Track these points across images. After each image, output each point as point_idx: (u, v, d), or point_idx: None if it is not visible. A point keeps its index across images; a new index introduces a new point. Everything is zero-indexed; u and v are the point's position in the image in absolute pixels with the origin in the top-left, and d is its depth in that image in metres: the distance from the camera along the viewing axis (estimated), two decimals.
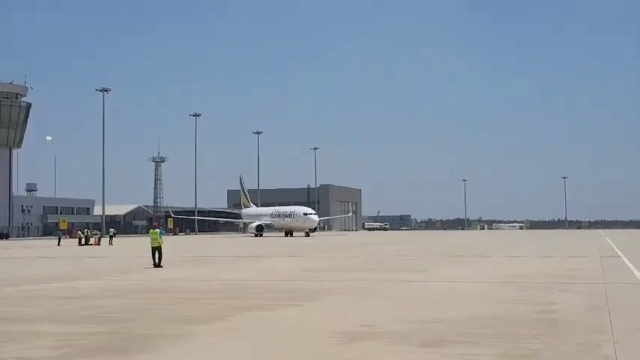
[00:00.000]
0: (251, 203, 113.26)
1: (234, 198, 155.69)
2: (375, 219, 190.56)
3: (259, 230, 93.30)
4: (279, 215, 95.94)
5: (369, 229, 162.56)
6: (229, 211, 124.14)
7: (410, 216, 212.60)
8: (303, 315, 12.10)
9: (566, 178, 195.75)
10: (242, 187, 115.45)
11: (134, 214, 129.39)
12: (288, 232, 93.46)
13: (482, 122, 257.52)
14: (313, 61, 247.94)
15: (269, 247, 48.31)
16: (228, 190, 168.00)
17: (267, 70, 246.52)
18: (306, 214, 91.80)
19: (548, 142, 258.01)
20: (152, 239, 26.50)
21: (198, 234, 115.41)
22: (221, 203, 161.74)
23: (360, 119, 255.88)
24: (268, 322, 11.32)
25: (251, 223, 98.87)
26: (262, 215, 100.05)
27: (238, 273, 22.87)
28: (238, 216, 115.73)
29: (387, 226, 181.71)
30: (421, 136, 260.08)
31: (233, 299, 14.72)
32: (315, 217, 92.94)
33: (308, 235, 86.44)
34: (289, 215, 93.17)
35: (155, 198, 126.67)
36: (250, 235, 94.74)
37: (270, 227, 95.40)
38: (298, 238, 76.84)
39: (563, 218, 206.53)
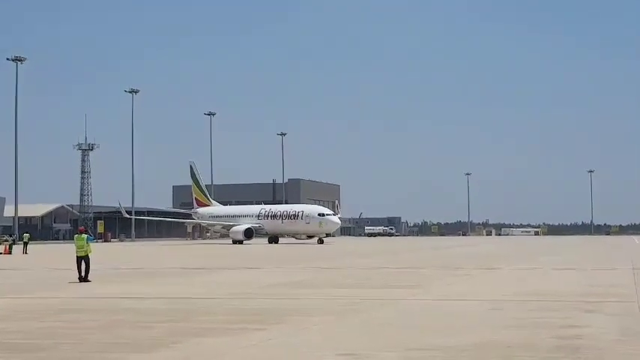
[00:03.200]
0: (212, 200, 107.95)
1: (182, 196, 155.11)
2: (357, 222, 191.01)
3: (248, 235, 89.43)
4: (274, 216, 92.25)
5: (370, 235, 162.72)
6: (181, 211, 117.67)
7: (400, 218, 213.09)
8: (267, 341, 12.07)
9: (592, 172, 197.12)
10: (196, 179, 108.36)
11: (55, 215, 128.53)
12: (273, 239, 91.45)
13: (488, 104, 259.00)
14: (279, 22, 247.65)
15: (241, 257, 48.19)
16: (173, 187, 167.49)
17: (221, 33, 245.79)
18: (322, 214, 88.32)
19: (571, 128, 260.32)
20: (77, 247, 26.28)
21: (135, 240, 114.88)
22: (165, 202, 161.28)
23: (339, 98, 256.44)
24: (222, 350, 11.28)
25: (216, 225, 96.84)
26: (238, 216, 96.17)
27: (189, 289, 22.79)
28: (189, 217, 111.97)
29: (393, 231, 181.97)
30: (414, 121, 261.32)
31: (181, 321, 14.66)
32: (336, 219, 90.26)
33: (322, 242, 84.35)
34: (295, 216, 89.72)
35: (82, 195, 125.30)
36: (223, 241, 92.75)
37: (258, 232, 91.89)
38: (301, 246, 76.81)
39: (589, 222, 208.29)
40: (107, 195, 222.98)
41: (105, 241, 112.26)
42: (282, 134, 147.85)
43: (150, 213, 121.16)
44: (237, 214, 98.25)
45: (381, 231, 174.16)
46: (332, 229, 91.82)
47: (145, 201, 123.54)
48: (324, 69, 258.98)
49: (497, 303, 18.05)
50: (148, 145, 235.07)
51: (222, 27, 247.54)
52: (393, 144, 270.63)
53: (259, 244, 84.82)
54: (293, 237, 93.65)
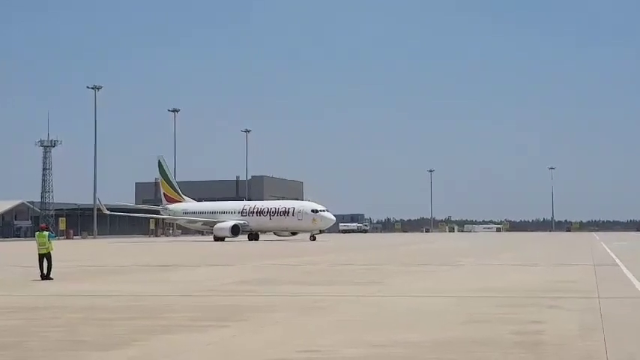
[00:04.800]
0: (184, 196, 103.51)
1: (145, 192, 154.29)
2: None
3: (235, 232, 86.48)
4: (260, 212, 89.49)
5: (344, 232, 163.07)
6: (151, 208, 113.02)
7: (364, 215, 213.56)
8: (230, 338, 12.07)
9: (553, 169, 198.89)
10: (165, 174, 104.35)
11: (16, 212, 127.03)
12: (253, 236, 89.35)
13: (450, 100, 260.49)
14: (244, 20, 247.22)
15: (214, 254, 48.06)
16: (136, 183, 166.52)
17: (186, 30, 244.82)
18: (316, 210, 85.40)
19: (532, 125, 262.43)
20: (39, 244, 26.04)
21: (97, 237, 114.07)
22: (127, 199, 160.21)
23: (303, 95, 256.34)
24: (185, 347, 11.25)
25: (197, 222, 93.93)
26: (219, 212, 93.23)
27: (153, 286, 22.69)
28: (157, 213, 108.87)
29: (367, 228, 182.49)
30: (378, 118, 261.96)
31: (143, 319, 14.60)
32: (331, 216, 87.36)
33: (314, 239, 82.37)
34: (285, 212, 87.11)
35: (43, 192, 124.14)
36: (198, 238, 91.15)
37: (242, 229, 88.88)
38: (282, 242, 76.65)
39: (550, 218, 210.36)
40: (69, 192, 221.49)
41: (67, 238, 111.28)
42: (247, 131, 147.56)
43: (120, 210, 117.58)
44: (216, 210, 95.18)
45: (355, 228, 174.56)
46: (327, 226, 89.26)
47: (106, 198, 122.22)
48: (288, 66, 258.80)
49: (460, 299, 18.19)
50: (110, 142, 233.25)
51: (187, 24, 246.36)
52: (356, 141, 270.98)
53: (240, 240, 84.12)
54: (274, 234, 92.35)
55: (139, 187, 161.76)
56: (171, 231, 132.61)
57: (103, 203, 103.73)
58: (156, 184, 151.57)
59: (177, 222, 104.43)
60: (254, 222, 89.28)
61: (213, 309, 16.36)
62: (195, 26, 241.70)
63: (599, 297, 18.08)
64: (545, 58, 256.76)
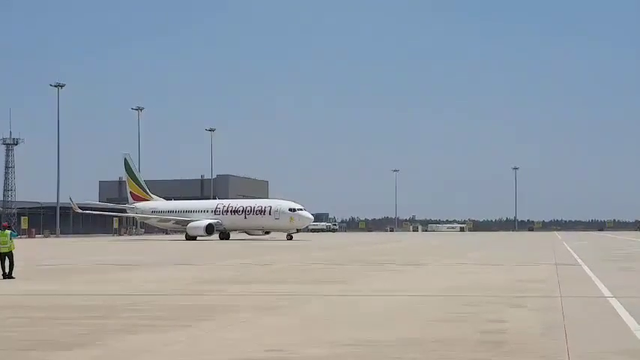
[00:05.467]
0: (152, 195, 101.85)
1: (109, 191, 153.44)
2: None
3: (209, 231, 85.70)
4: (235, 211, 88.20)
5: (313, 231, 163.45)
6: (118, 206, 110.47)
7: (328, 215, 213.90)
8: (194, 338, 12.00)
9: (517, 169, 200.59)
10: (132, 173, 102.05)
11: None
12: (224, 235, 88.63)
13: (414, 101, 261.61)
14: (207, 17, 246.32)
15: (173, 254, 47.83)
16: (100, 182, 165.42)
17: (150, 29, 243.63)
18: (293, 209, 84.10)
19: (496, 125, 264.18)
20: (1, 243, 25.78)
21: (60, 236, 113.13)
22: (91, 198, 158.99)
23: (268, 95, 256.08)
24: (148, 347, 11.18)
25: (170, 220, 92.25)
26: (191, 211, 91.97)
27: (116, 285, 22.51)
28: (124, 212, 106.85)
29: (336, 227, 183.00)
30: (342, 117, 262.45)
31: (106, 318, 14.49)
32: (309, 215, 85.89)
33: (291, 238, 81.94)
34: (262, 211, 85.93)
35: (5, 191, 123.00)
36: (167, 237, 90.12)
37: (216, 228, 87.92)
38: (250, 241, 76.36)
39: (513, 218, 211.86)
40: (31, 190, 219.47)
41: (29, 237, 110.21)
42: (211, 130, 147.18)
43: (90, 208, 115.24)
44: (188, 209, 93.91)
45: (325, 227, 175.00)
46: (304, 225, 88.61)
47: (70, 196, 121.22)
48: (252, 66, 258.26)
49: (424, 298, 18.26)
50: (73, 141, 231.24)
51: (151, 23, 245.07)
52: (321, 140, 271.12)
53: (211, 240, 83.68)
54: (246, 233, 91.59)
55: (103, 186, 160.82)
56: (134, 229, 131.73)
57: (58, 202, 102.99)
58: (120, 182, 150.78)
59: (149, 221, 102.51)
60: (228, 221, 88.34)
61: (177, 309, 16.28)
62: (160, 25, 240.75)
63: (561, 296, 18.23)
64: (508, 58, 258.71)
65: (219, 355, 10.49)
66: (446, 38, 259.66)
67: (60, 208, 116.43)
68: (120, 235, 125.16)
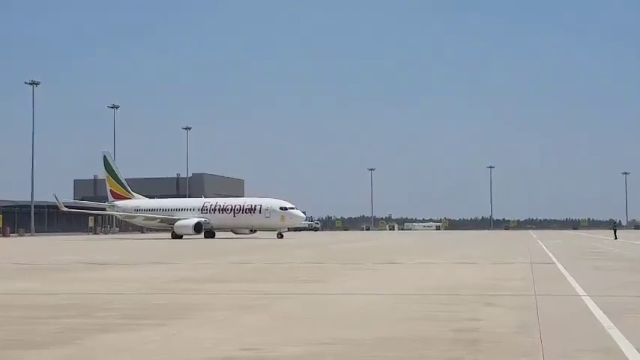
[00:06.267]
0: (133, 193, 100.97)
1: (84, 189, 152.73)
2: None
3: (198, 230, 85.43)
4: (223, 210, 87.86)
5: (297, 229, 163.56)
6: (100, 205, 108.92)
7: (305, 213, 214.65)
8: (170, 337, 11.97)
9: (492, 168, 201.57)
10: (112, 170, 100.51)
11: None
12: (209, 233, 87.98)
13: (390, 99, 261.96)
14: (182, 15, 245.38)
15: (155, 252, 47.65)
16: (75, 180, 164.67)
17: (126, 27, 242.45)
18: (284, 208, 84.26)
19: (471, 124, 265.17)
20: None
21: (35, 235, 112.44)
22: (65, 196, 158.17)
23: (244, 94, 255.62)
24: (121, 346, 11.12)
25: (156, 219, 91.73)
26: (176, 210, 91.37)
27: (92, 284, 22.39)
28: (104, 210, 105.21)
29: (318, 226, 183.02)
30: (317, 117, 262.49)
31: (81, 317, 14.41)
32: (300, 213, 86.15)
33: (282, 237, 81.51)
34: (252, 210, 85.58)
35: None
36: (149, 236, 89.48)
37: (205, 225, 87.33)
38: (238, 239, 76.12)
39: (488, 216, 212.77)
40: (5, 189, 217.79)
41: (3, 235, 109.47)
42: (187, 128, 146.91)
43: (72, 207, 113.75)
44: (173, 207, 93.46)
45: (307, 226, 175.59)
46: (295, 224, 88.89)
47: (45, 195, 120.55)
48: (228, 64, 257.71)
49: (399, 297, 18.30)
50: (48, 139, 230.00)
51: (127, 21, 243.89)
52: (297, 139, 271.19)
53: (197, 238, 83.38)
54: (232, 232, 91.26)
55: (78, 184, 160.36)
56: (109, 228, 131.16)
57: (32, 200, 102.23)
58: (95, 180, 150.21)
59: (134, 220, 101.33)
60: (216, 219, 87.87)
61: (152, 307, 16.21)
62: (135, 23, 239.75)
63: (535, 294, 18.32)
64: (481, 57, 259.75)
65: (195, 354, 10.46)
66: (409, 34, 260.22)
67: (35, 206, 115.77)
68: (96, 233, 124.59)
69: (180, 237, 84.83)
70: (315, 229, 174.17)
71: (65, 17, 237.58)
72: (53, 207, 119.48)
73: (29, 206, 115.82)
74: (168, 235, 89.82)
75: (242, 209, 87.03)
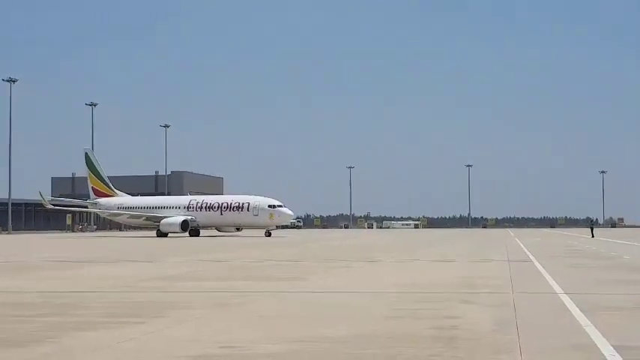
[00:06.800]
0: (116, 190, 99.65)
1: (62, 187, 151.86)
2: None
3: (185, 228, 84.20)
4: (210, 207, 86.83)
5: (284, 227, 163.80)
6: (83, 202, 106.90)
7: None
8: (147, 335, 11.92)
9: (470, 166, 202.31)
10: (94, 168, 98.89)
11: None
12: (194, 231, 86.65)
13: (369, 94, 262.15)
14: (163, 13, 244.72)
15: (135, 250, 47.44)
16: (52, 178, 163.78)
17: (105, 24, 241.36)
18: (273, 206, 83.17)
19: (448, 122, 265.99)
20: None
21: (12, 232, 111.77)
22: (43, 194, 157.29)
23: (222, 91, 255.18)
24: (100, 344, 11.07)
25: (140, 217, 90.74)
26: (161, 207, 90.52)
27: (68, 282, 22.28)
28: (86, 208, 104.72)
29: (301, 224, 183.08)
30: (295, 114, 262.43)
31: (57, 315, 14.33)
32: (289, 211, 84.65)
33: (270, 235, 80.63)
34: (239, 208, 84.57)
35: None
36: (130, 234, 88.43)
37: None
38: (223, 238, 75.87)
39: (467, 215, 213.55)
40: None
41: None
42: (166, 126, 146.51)
43: (55, 204, 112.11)
44: (158, 205, 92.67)
45: (289, 224, 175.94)
46: (284, 222, 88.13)
47: (22, 193, 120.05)
48: (207, 63, 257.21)
49: (378, 294, 18.31)
50: (25, 137, 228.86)
51: (107, 18, 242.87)
52: (275, 137, 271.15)
53: (182, 236, 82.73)
54: (217, 229, 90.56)
55: (56, 182, 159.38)
56: (87, 225, 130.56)
57: (10, 198, 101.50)
58: (74, 178, 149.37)
59: (118, 218, 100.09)
60: (203, 217, 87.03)
61: (129, 305, 16.13)
62: (116, 21, 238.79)
63: (513, 292, 18.39)
64: (460, 55, 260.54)
65: (173, 351, 10.42)
66: (387, 33, 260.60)
67: (12, 204, 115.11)
68: (73, 231, 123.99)
69: (165, 235, 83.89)
70: (298, 227, 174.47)
71: (42, 15, 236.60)
72: (30, 205, 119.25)
73: (6, 204, 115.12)
74: (150, 233, 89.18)
75: (229, 207, 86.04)
